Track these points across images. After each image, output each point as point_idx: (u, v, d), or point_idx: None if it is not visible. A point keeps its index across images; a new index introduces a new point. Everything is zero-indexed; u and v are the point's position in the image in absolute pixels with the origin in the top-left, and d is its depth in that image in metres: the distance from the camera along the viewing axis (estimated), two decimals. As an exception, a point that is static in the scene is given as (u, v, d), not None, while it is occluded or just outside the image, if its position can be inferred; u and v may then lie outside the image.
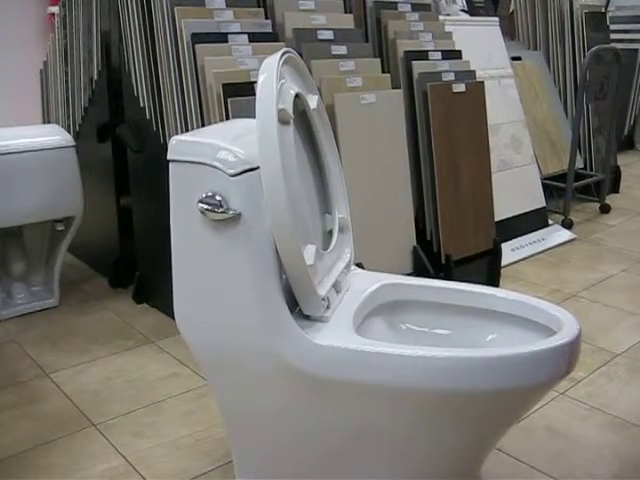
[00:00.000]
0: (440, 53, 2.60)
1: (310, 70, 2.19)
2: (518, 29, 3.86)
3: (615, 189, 3.98)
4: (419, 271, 2.37)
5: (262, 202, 1.13)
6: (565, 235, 3.20)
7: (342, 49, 2.29)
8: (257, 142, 1.09)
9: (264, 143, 1.09)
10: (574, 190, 3.45)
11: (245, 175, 1.14)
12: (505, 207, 2.95)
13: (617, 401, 1.83)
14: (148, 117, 2.24)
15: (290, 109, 1.18)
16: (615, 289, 2.62)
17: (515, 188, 3.07)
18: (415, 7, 2.65)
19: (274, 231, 1.12)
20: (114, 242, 2.63)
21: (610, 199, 3.73)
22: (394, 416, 1.20)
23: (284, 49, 1.21)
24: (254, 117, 1.12)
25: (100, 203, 2.63)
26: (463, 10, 3.47)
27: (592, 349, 2.12)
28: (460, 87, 2.53)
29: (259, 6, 2.25)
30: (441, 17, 2.90)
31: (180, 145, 1.20)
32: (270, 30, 2.22)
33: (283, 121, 1.16)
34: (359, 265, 1.76)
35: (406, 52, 2.48)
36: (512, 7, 3.90)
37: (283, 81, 1.19)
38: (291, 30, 2.23)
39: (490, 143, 2.70)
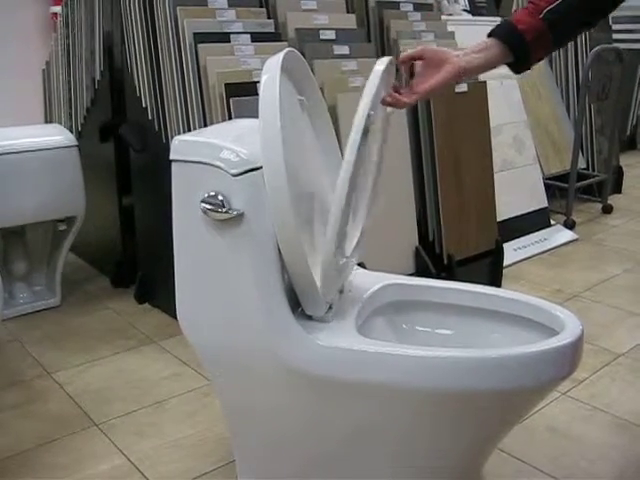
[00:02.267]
0: (442, 53, 2.59)
1: (312, 70, 2.18)
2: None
3: (617, 189, 3.97)
4: (421, 271, 2.37)
5: (265, 202, 1.13)
6: (567, 235, 3.19)
7: (344, 49, 2.29)
8: (260, 142, 1.09)
9: (267, 143, 1.09)
10: (576, 190, 3.44)
11: (248, 175, 1.14)
12: (507, 207, 2.94)
13: (619, 401, 1.83)
14: (150, 117, 2.24)
15: (294, 109, 1.18)
16: (617, 289, 2.61)
17: (517, 188, 3.06)
18: (417, 7, 2.65)
19: (277, 232, 1.12)
20: (116, 242, 2.63)
21: (612, 199, 3.73)
22: (396, 416, 1.20)
23: (287, 49, 1.20)
24: (256, 117, 1.11)
25: (102, 203, 2.63)
26: (465, 10, 3.47)
27: (594, 349, 2.11)
28: (462, 87, 2.53)
29: (261, 6, 2.25)
30: (443, 17, 2.90)
31: (182, 145, 1.20)
32: (272, 30, 2.22)
33: (287, 121, 1.16)
34: (361, 265, 1.76)
35: (408, 52, 2.47)
36: (514, 7, 3.90)
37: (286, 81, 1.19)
38: (293, 30, 2.23)
39: (492, 143, 2.69)
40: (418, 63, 1.21)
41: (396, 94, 1.21)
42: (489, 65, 1.17)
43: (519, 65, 1.17)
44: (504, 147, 3.05)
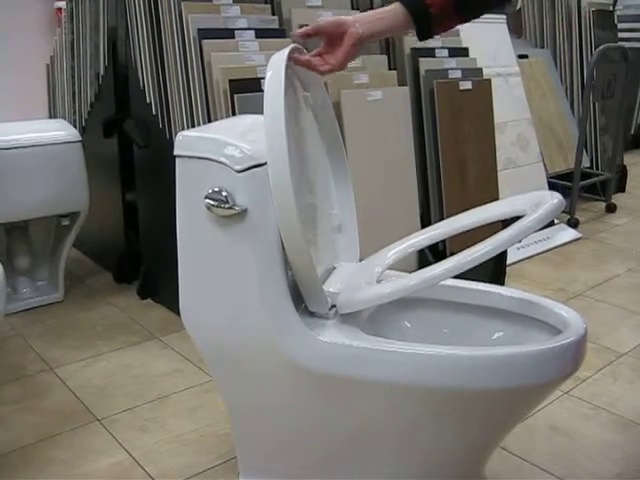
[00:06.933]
0: (447, 50, 2.59)
1: (317, 67, 2.18)
2: (525, 27, 3.85)
3: (621, 188, 3.96)
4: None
5: (269, 198, 1.13)
6: (571, 234, 3.19)
7: (349, 46, 2.28)
8: (265, 139, 1.09)
9: (272, 140, 1.08)
10: (580, 189, 3.44)
11: (252, 171, 1.13)
12: (511, 205, 2.93)
13: (622, 400, 1.83)
14: (154, 112, 2.24)
15: (299, 105, 1.18)
16: (620, 288, 2.61)
17: (521, 186, 3.06)
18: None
19: (281, 229, 1.12)
20: (119, 237, 2.63)
21: (616, 198, 3.72)
22: (399, 414, 1.20)
23: (292, 45, 1.20)
24: (261, 113, 1.11)
25: (106, 198, 2.63)
26: (470, 7, 3.46)
27: (597, 348, 2.11)
28: (467, 85, 2.53)
29: (266, 2, 2.25)
30: (448, 14, 2.89)
31: (186, 140, 1.19)
32: (277, 26, 2.22)
33: (291, 118, 1.16)
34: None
35: (413, 49, 2.47)
36: (519, 5, 3.89)
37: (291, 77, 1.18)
38: (297, 26, 2.23)
39: (496, 141, 2.69)
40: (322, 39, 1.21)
41: (313, 59, 1.21)
42: (389, 32, 1.20)
43: (421, 34, 1.19)
44: (508, 145, 3.05)
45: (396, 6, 1.17)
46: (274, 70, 1.12)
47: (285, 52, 1.15)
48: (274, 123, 1.08)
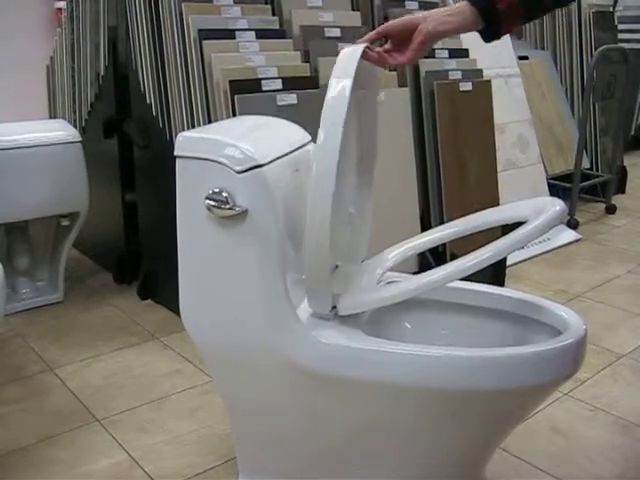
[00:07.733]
0: (447, 51, 2.59)
1: (317, 68, 2.19)
2: (525, 28, 3.85)
3: (621, 189, 3.96)
4: (424, 270, 2.35)
5: (269, 199, 1.13)
6: (570, 235, 3.19)
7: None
8: (322, 138, 1.06)
9: (325, 151, 1.06)
10: (580, 190, 3.44)
11: (252, 172, 1.13)
12: (511, 206, 2.93)
13: (621, 402, 1.83)
14: (154, 113, 2.24)
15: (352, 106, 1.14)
16: (620, 290, 2.61)
17: (521, 188, 3.06)
18: (422, 5, 2.64)
19: (309, 233, 1.10)
20: (119, 238, 2.63)
21: (616, 199, 3.72)
22: (398, 414, 1.20)
23: (364, 44, 1.15)
24: (261, 114, 1.11)
25: (106, 199, 2.63)
26: (470, 8, 3.46)
27: (597, 350, 2.11)
28: (467, 86, 2.53)
29: (266, 3, 2.25)
30: (448, 15, 2.89)
31: (187, 141, 1.20)
32: (277, 27, 2.21)
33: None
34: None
35: (413, 50, 2.47)
36: (520, 6, 3.89)
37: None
38: (298, 27, 2.23)
39: (496, 142, 2.69)
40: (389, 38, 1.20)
41: (383, 53, 1.19)
42: (458, 30, 1.17)
43: (489, 34, 1.17)
44: (508, 146, 3.05)
45: (463, 4, 1.14)
46: (343, 73, 1.08)
47: (358, 53, 1.10)
48: (334, 130, 1.05)
